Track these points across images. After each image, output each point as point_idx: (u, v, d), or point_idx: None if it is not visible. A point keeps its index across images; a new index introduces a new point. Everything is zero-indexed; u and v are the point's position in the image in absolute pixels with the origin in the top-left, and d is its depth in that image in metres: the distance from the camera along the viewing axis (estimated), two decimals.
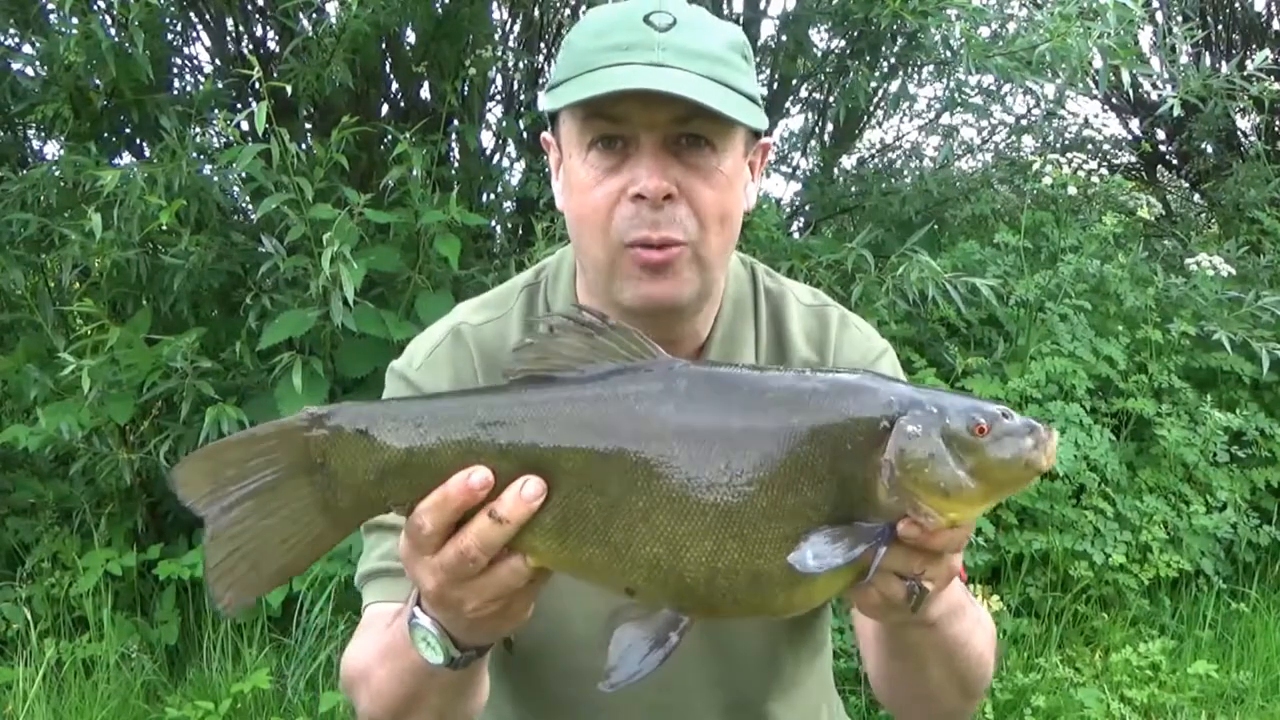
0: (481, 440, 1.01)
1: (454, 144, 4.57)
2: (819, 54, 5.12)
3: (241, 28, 4.51)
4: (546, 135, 1.43)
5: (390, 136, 4.07)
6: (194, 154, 3.80)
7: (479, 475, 1.00)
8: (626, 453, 0.99)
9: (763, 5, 5.14)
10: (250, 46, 4.40)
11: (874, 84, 4.92)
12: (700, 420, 0.99)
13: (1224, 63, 5.63)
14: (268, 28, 4.52)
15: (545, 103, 1.34)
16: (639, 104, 1.23)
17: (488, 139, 4.78)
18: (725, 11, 5.13)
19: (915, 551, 1.00)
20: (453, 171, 4.45)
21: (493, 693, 1.45)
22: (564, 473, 1.00)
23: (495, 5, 4.62)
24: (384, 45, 4.41)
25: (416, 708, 1.24)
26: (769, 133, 1.41)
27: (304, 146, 3.90)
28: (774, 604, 1.02)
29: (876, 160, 6.59)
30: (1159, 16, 6.23)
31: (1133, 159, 7.63)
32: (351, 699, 1.36)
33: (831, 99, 5.31)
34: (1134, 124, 7.49)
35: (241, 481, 1.02)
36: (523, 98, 4.79)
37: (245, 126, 3.51)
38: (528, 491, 1.00)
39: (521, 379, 1.04)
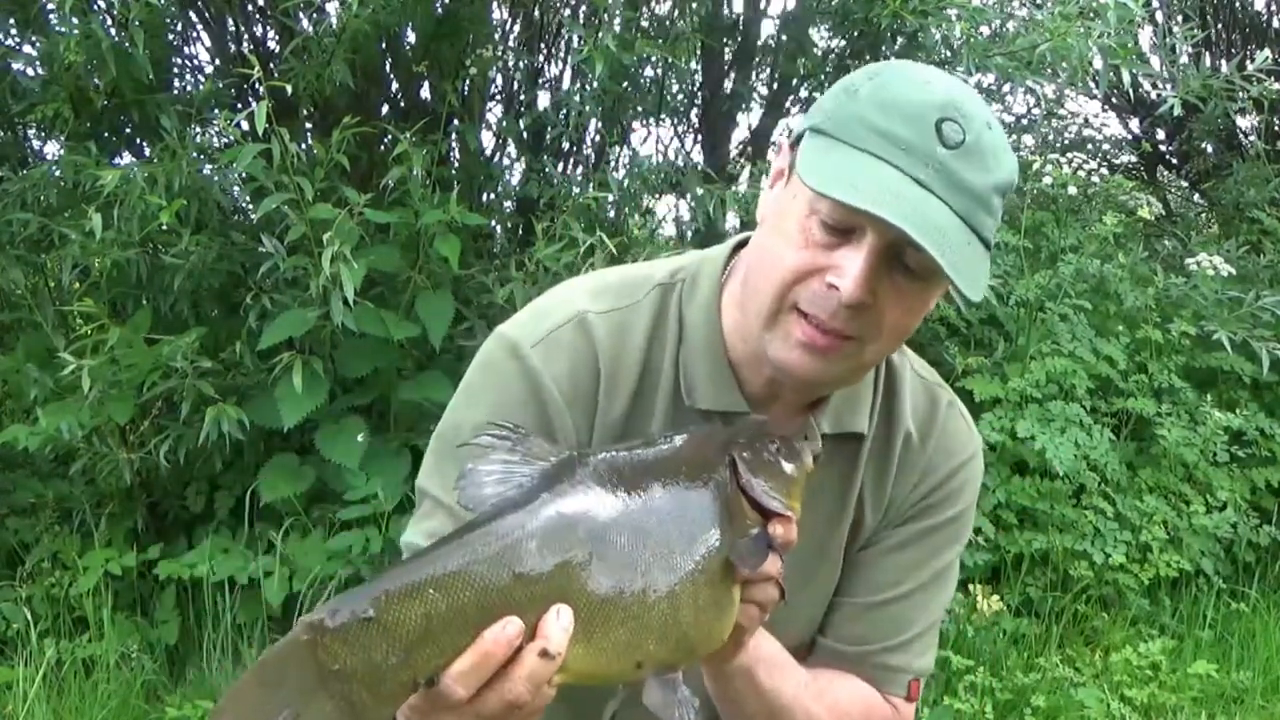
0: (501, 581, 1.02)
1: (454, 144, 4.56)
2: (819, 54, 5.12)
3: (242, 27, 4.51)
4: (784, 140, 1.34)
5: (390, 136, 4.07)
6: (194, 154, 3.80)
7: (514, 626, 1.01)
8: (620, 537, 1.09)
9: (763, 5, 5.14)
10: (250, 46, 4.39)
11: None
12: (644, 495, 1.13)
13: (1224, 63, 5.63)
14: (268, 27, 4.52)
15: (802, 158, 1.23)
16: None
17: (488, 139, 4.78)
18: (725, 12, 5.13)
19: (781, 550, 1.16)
20: (453, 171, 4.44)
21: None
22: (579, 578, 1.06)
23: (495, 5, 4.62)
24: (384, 45, 4.40)
25: None
26: None
27: (304, 146, 3.90)
28: (724, 632, 1.17)
29: None
30: (1159, 16, 6.23)
31: (1133, 159, 7.63)
32: None
33: None
34: (1134, 124, 7.49)
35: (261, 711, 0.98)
36: (523, 98, 4.78)
37: (245, 126, 3.50)
38: (565, 620, 1.03)
39: (489, 509, 1.07)
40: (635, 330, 1.38)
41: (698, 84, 5.08)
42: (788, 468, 1.21)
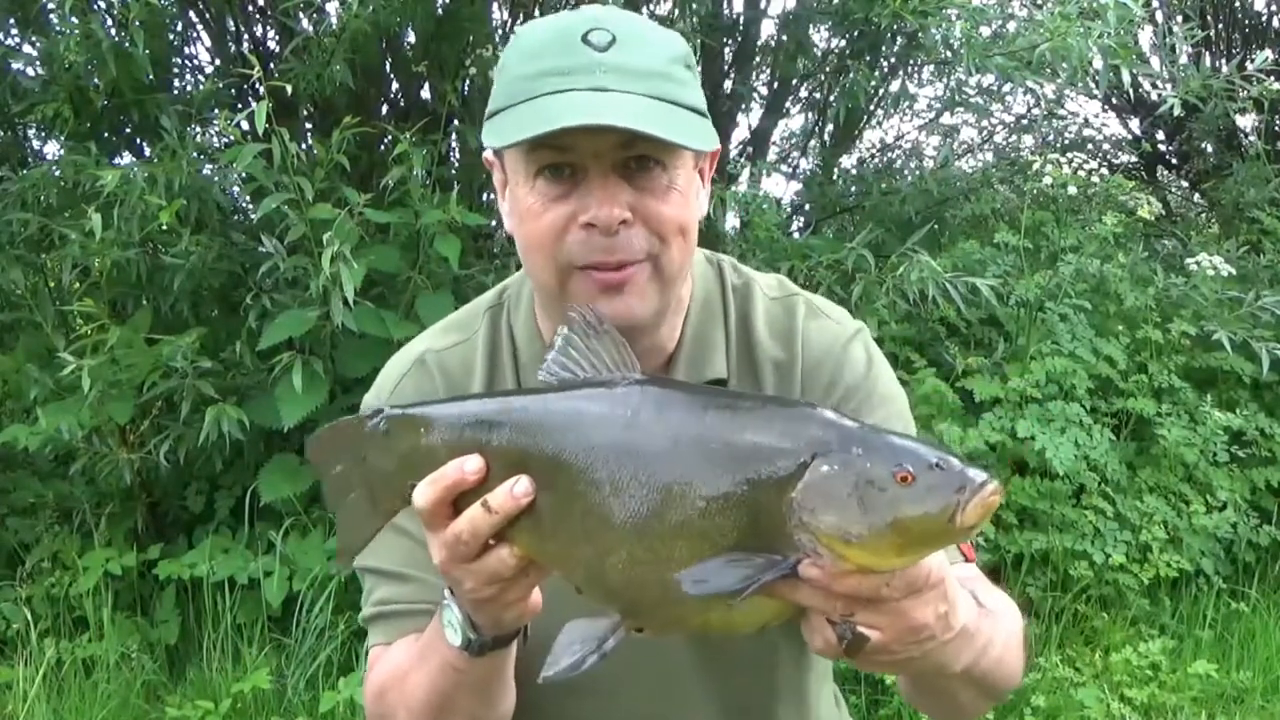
0: (471, 439, 1.09)
1: (454, 144, 4.57)
2: (819, 54, 5.12)
3: (242, 27, 4.51)
4: (489, 155, 1.37)
5: (390, 136, 4.08)
6: (194, 154, 3.81)
7: (472, 462, 1.07)
8: (570, 460, 1.04)
9: (763, 5, 5.14)
10: (250, 46, 4.40)
11: (874, 84, 4.92)
12: (638, 436, 1.02)
13: (1224, 63, 5.63)
14: (268, 27, 4.53)
15: (487, 135, 1.28)
16: (584, 131, 1.19)
17: None
18: (725, 12, 5.13)
19: (830, 594, 0.97)
20: (453, 171, 4.45)
21: None
22: (532, 473, 1.06)
23: (495, 5, 4.62)
24: (384, 45, 4.41)
25: (448, 710, 1.26)
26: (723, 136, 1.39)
27: (304, 146, 3.90)
28: (692, 622, 1.04)
29: (876, 160, 6.59)
30: (1159, 16, 6.23)
31: (1133, 159, 7.63)
32: None
33: (831, 99, 5.31)
34: (1134, 124, 7.49)
35: (330, 464, 1.19)
36: None
37: (245, 126, 3.51)
38: (518, 489, 1.05)
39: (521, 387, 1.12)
40: (474, 360, 1.43)
41: None
42: (898, 507, 0.92)
